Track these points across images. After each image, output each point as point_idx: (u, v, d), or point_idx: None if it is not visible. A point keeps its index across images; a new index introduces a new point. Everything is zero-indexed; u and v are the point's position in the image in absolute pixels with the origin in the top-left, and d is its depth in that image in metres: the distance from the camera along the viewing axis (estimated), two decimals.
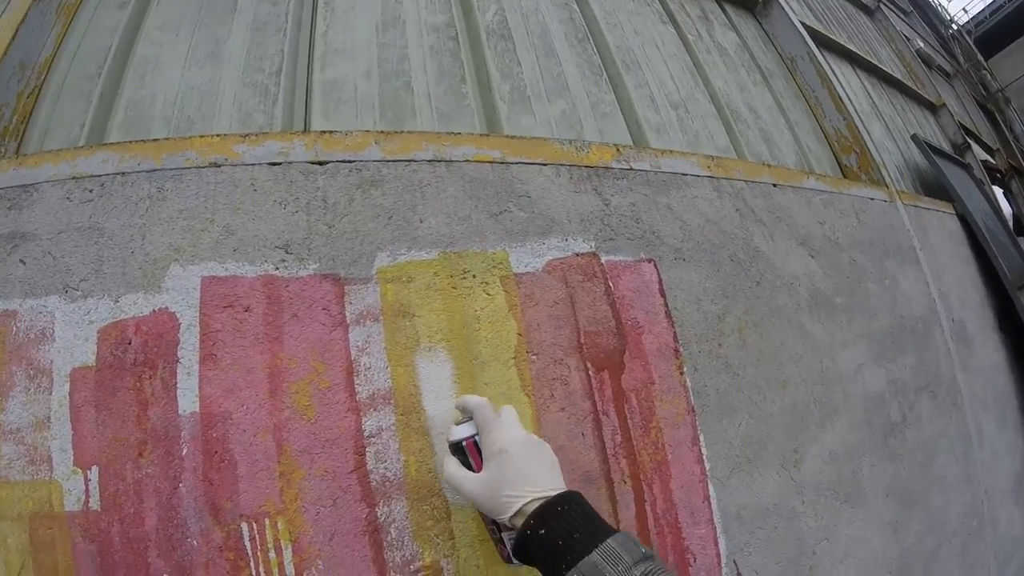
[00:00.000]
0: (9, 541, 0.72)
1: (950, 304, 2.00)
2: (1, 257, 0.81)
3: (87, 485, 0.74)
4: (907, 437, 1.54)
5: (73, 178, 0.87)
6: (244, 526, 0.76)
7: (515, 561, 0.72)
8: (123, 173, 0.89)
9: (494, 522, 0.74)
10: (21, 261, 0.82)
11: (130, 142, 0.93)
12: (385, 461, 0.84)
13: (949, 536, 1.59)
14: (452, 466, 0.76)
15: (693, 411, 1.08)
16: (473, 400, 0.78)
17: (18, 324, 0.79)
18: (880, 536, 1.36)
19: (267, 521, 0.77)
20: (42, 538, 0.72)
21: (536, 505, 0.67)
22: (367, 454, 0.83)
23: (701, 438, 1.08)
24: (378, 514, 0.82)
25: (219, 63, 1.24)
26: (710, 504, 1.05)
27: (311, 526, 0.78)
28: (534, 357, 0.96)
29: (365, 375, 0.86)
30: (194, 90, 1.20)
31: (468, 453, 0.75)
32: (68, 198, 0.86)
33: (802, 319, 1.38)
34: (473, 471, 0.74)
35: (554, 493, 0.68)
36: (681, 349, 1.10)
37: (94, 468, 0.74)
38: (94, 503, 0.73)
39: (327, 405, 0.83)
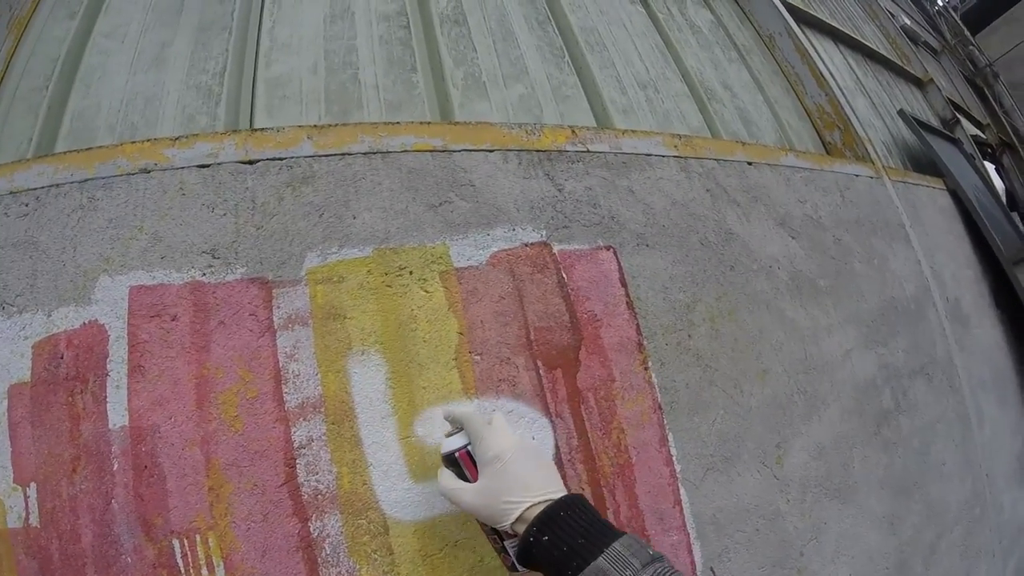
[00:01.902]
0: None
1: (944, 282, 1.93)
2: None
3: (27, 502, 0.73)
4: (901, 424, 1.48)
5: (11, 193, 0.86)
6: (176, 543, 0.74)
7: (520, 569, 0.70)
8: (57, 185, 0.87)
9: (495, 531, 0.72)
10: None
11: (65, 153, 0.91)
12: (317, 473, 0.80)
13: (950, 525, 1.53)
14: (447, 479, 0.74)
15: (660, 409, 1.02)
16: (461, 410, 0.78)
17: None
18: (875, 531, 1.30)
19: (198, 537, 0.74)
20: None
21: (537, 510, 0.65)
22: (297, 466, 0.79)
23: (670, 438, 1.02)
24: (311, 529, 0.78)
25: (164, 67, 1.21)
26: (682, 509, 1.00)
27: (242, 542, 0.75)
28: (477, 357, 0.90)
29: (294, 383, 0.81)
30: (138, 96, 1.16)
31: (462, 464, 0.74)
32: (6, 213, 0.84)
33: (782, 304, 1.32)
34: (469, 482, 0.72)
35: (554, 497, 0.67)
36: (645, 342, 1.04)
37: (32, 484, 0.73)
38: (34, 520, 0.72)
39: (255, 416, 0.79)
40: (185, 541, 0.74)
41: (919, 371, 1.62)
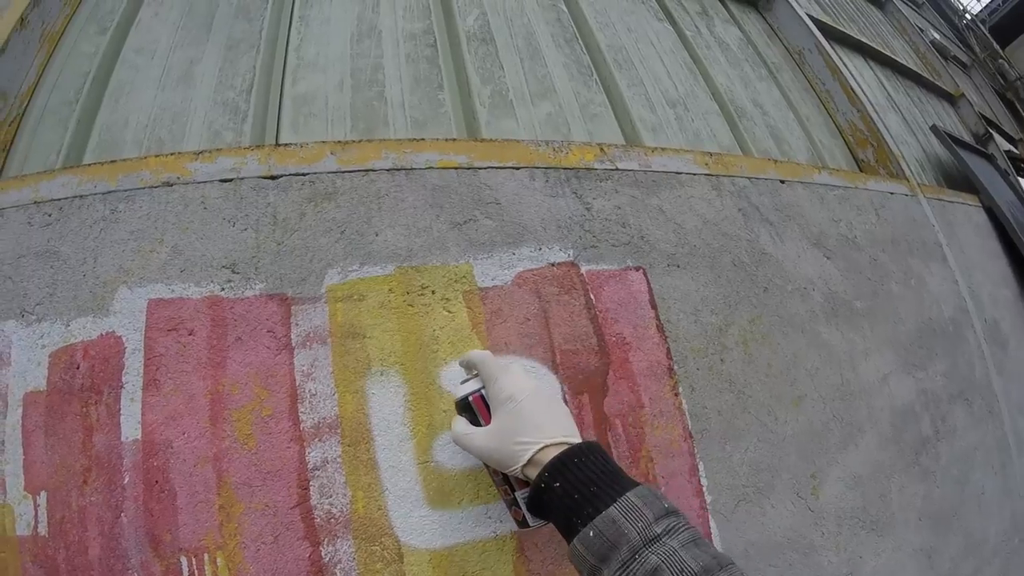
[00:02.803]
0: None
1: (981, 302, 1.85)
2: None
3: (36, 510, 0.72)
4: (940, 452, 1.40)
5: (35, 203, 0.86)
6: (184, 560, 0.72)
7: (531, 523, 0.68)
8: (81, 196, 0.87)
9: (507, 482, 0.70)
10: None
11: (89, 164, 0.92)
12: (330, 496, 0.77)
13: (988, 558, 1.44)
14: (460, 425, 0.72)
15: (690, 437, 0.97)
16: (477, 353, 0.75)
17: None
18: (913, 565, 1.22)
19: (206, 556, 0.73)
20: None
21: (550, 453, 0.63)
22: (311, 488, 0.77)
23: (700, 467, 0.97)
24: (322, 553, 0.75)
25: (192, 83, 1.21)
26: (711, 542, 0.94)
27: (251, 563, 0.73)
28: None
29: (310, 402, 0.79)
30: (166, 111, 1.17)
31: (476, 409, 0.72)
32: (29, 223, 0.85)
33: (818, 327, 1.26)
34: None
35: (570, 443, 0.64)
36: (676, 367, 1.00)
37: (43, 493, 0.73)
38: (42, 529, 0.72)
39: (269, 434, 0.77)
40: (193, 559, 0.72)
41: (958, 396, 1.54)
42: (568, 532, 0.59)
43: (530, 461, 0.63)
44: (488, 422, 0.70)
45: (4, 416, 0.76)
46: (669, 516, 0.56)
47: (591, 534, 0.56)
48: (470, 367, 0.76)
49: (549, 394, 0.72)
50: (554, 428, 0.66)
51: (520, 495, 0.68)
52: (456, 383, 0.78)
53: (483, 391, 0.72)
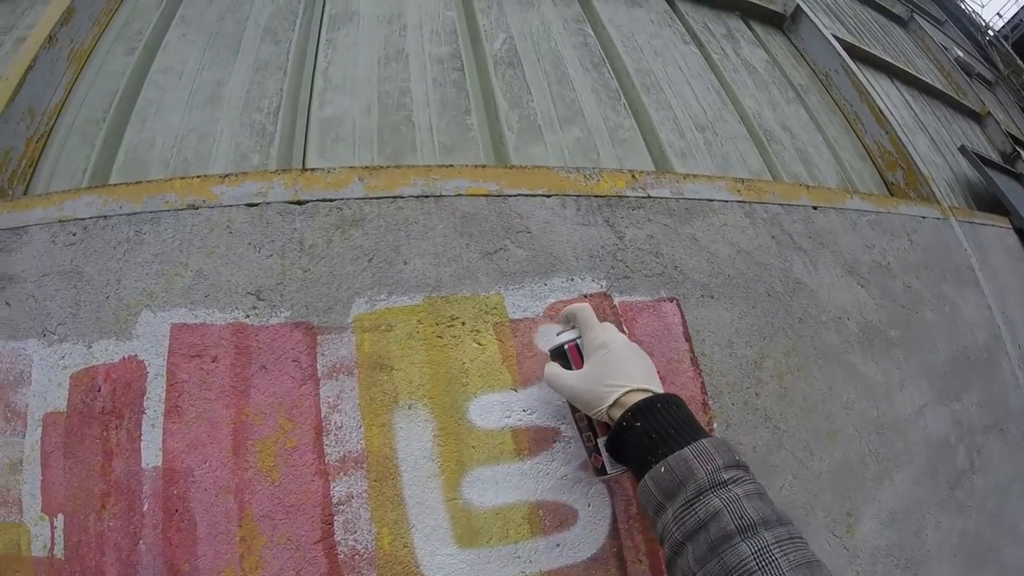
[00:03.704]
0: None
1: (1016, 328, 1.79)
2: None
3: (53, 532, 0.71)
4: (976, 485, 1.35)
5: (59, 221, 0.87)
6: None
7: (610, 471, 0.71)
8: (105, 216, 0.87)
9: (591, 427, 0.74)
10: (6, 303, 0.81)
11: (115, 185, 0.92)
12: (355, 532, 0.74)
13: None
14: (554, 367, 0.76)
15: None
16: (578, 306, 0.79)
17: None
18: None
19: None
20: None
21: (636, 397, 0.66)
22: (335, 523, 0.74)
23: None
24: None
25: (219, 104, 1.22)
26: None
27: None
28: (532, 416, 0.84)
29: (336, 435, 0.77)
30: (192, 132, 1.17)
31: (570, 357, 0.76)
32: (54, 241, 0.85)
33: (853, 358, 1.22)
34: None
35: (655, 391, 0.68)
36: (711, 402, 0.96)
37: (60, 516, 0.72)
38: (58, 551, 0.71)
39: (293, 467, 0.75)
40: None
41: (993, 426, 1.49)
42: (641, 470, 0.62)
43: (616, 403, 0.67)
44: (580, 368, 0.73)
45: (23, 436, 0.75)
46: (739, 468, 0.58)
47: (662, 470, 0.59)
48: (569, 319, 0.79)
49: (638, 348, 0.74)
50: (642, 376, 0.69)
51: (602, 441, 0.71)
52: (552, 335, 0.81)
53: (579, 341, 0.76)
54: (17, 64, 1.13)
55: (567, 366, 0.75)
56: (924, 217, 1.69)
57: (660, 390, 0.69)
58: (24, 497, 0.72)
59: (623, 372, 0.69)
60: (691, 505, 0.56)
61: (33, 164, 1.11)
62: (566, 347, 0.76)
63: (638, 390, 0.67)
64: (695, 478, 0.56)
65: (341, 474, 0.76)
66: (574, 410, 0.78)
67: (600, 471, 0.73)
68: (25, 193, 1.06)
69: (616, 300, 0.95)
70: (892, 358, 1.30)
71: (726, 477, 0.56)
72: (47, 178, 1.10)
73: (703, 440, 0.60)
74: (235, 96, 1.23)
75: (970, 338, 1.56)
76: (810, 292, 1.21)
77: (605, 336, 0.72)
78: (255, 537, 0.72)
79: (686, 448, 0.59)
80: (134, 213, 0.87)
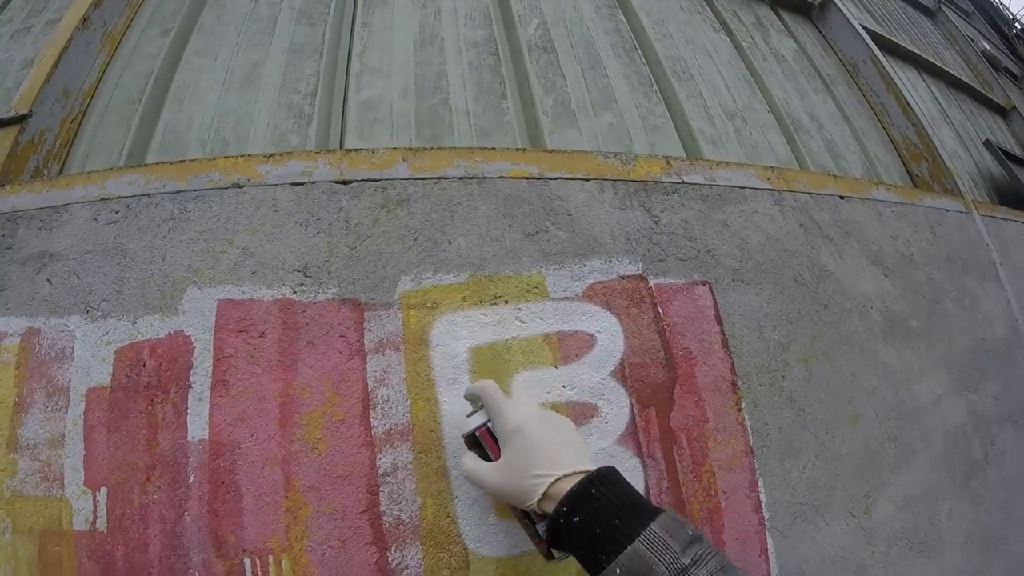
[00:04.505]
0: (20, 554, 0.71)
1: None
2: (30, 276, 0.83)
3: (95, 506, 0.73)
4: (989, 476, 1.36)
5: (101, 199, 0.88)
6: (247, 561, 0.72)
7: (556, 555, 0.64)
8: (148, 195, 0.89)
9: (525, 514, 0.66)
10: (48, 280, 0.83)
11: (157, 164, 0.94)
12: (400, 502, 0.77)
13: None
14: (469, 461, 0.69)
15: (752, 453, 0.96)
16: (479, 384, 0.71)
17: (41, 342, 0.79)
18: None
19: (271, 558, 0.73)
20: (50, 555, 0.71)
21: (567, 485, 0.60)
22: (380, 494, 0.77)
23: (760, 483, 0.95)
24: (389, 559, 0.75)
25: (256, 86, 1.23)
26: (767, 559, 0.93)
27: (317, 567, 0.73)
28: (571, 392, 0.86)
29: (382, 408, 0.79)
30: (230, 113, 1.19)
31: (484, 443, 0.69)
32: (96, 219, 0.87)
33: (875, 346, 1.23)
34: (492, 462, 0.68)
35: (583, 471, 0.61)
36: (739, 383, 0.98)
37: (103, 489, 0.73)
38: (101, 525, 0.72)
39: (340, 439, 0.77)
40: (257, 561, 0.72)
41: (1007, 418, 1.49)
42: (593, 567, 0.56)
43: (545, 495, 0.61)
44: (498, 456, 0.67)
45: (66, 411, 0.76)
46: (694, 544, 0.53)
47: (618, 572, 0.53)
48: (474, 399, 0.73)
49: (557, 420, 0.69)
50: (566, 458, 0.63)
51: (541, 527, 0.64)
52: (462, 416, 0.74)
53: (490, 424, 0.70)
54: (52, 46, 1.15)
55: (484, 454, 0.69)
56: (948, 210, 1.69)
57: (590, 466, 0.63)
58: (66, 472, 0.73)
59: (546, 458, 0.63)
60: None
61: (68, 144, 1.12)
62: (478, 434, 0.70)
63: (568, 475, 0.61)
64: (655, 574, 0.52)
65: (387, 446, 0.78)
66: None
67: (547, 556, 0.65)
68: (60, 173, 1.08)
69: (652, 282, 0.97)
70: (913, 347, 1.31)
71: (687, 563, 0.52)
72: (83, 158, 1.12)
73: (652, 526, 0.54)
74: (272, 78, 1.25)
75: (989, 331, 1.57)
76: (836, 280, 1.22)
77: (517, 419, 0.66)
78: (301, 507, 0.74)
79: (637, 542, 0.53)
80: (178, 192, 0.88)
